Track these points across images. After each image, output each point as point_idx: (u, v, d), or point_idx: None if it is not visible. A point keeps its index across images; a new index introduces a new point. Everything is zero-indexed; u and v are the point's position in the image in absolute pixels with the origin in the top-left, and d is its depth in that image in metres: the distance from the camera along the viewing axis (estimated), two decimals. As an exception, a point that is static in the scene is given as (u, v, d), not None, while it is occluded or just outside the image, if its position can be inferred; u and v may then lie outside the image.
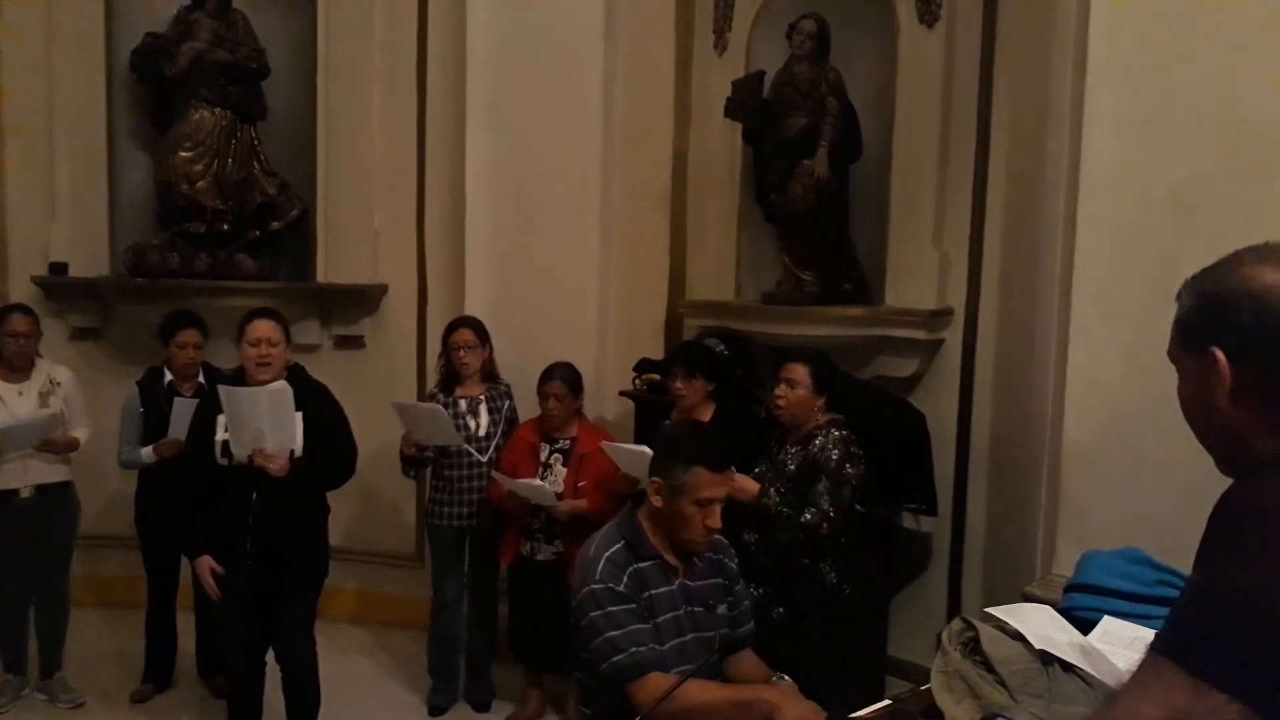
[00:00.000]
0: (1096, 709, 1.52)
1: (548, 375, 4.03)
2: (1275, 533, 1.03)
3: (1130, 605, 2.06)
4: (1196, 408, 1.22)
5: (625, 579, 2.29)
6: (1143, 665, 1.11)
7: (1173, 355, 1.25)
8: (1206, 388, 1.18)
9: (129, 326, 5.12)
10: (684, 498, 2.31)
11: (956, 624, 1.88)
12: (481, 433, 4.22)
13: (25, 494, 4.07)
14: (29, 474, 4.07)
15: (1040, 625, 1.86)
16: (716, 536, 2.45)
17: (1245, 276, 1.15)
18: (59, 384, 4.17)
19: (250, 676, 3.63)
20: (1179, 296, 1.25)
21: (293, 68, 5.17)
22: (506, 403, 4.31)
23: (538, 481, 3.93)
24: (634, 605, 2.28)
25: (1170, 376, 1.26)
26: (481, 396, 4.26)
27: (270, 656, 3.65)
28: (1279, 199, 2.52)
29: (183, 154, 4.96)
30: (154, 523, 4.26)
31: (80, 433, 4.21)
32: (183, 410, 4.03)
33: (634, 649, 2.21)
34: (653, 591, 2.33)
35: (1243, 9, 2.60)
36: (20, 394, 4.08)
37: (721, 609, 2.48)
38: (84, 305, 5.16)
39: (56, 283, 5.07)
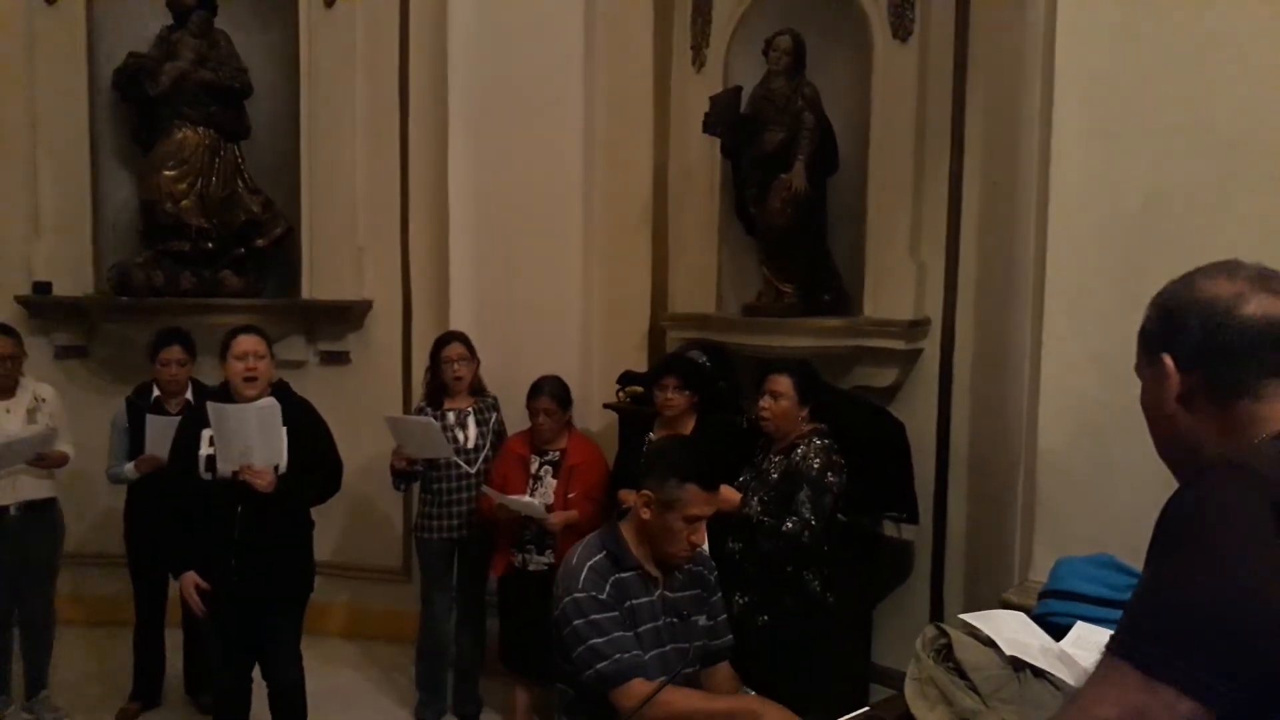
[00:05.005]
0: (1059, 711, 1.55)
1: (536, 390, 4.05)
2: (1216, 531, 1.06)
3: (1102, 610, 2.08)
4: (1154, 415, 1.29)
5: (608, 588, 2.32)
6: (1099, 667, 1.13)
7: (1137, 367, 1.31)
8: (1162, 393, 1.25)
9: (113, 345, 5.12)
10: (674, 513, 2.34)
11: (930, 630, 1.90)
12: (470, 445, 4.25)
13: (13, 511, 4.08)
14: (18, 491, 4.08)
15: (1012, 631, 1.89)
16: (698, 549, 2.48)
17: (1198, 288, 1.23)
18: (44, 400, 4.17)
19: (236, 693, 3.62)
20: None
21: (275, 86, 5.19)
22: (494, 415, 4.35)
23: (528, 498, 3.95)
24: (617, 613, 2.30)
25: (1138, 382, 1.32)
26: (469, 409, 4.29)
27: (257, 672, 3.64)
28: (1245, 206, 2.57)
29: (167, 173, 4.98)
30: (142, 539, 4.27)
31: (66, 448, 4.21)
32: (156, 427, 4.04)
33: (619, 655, 2.23)
34: (634, 601, 2.36)
35: (1205, 21, 2.65)
36: (8, 412, 4.08)
37: (700, 620, 2.50)
38: (68, 324, 5.16)
39: (41, 302, 5.07)
